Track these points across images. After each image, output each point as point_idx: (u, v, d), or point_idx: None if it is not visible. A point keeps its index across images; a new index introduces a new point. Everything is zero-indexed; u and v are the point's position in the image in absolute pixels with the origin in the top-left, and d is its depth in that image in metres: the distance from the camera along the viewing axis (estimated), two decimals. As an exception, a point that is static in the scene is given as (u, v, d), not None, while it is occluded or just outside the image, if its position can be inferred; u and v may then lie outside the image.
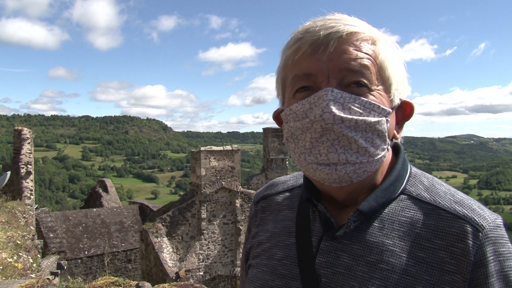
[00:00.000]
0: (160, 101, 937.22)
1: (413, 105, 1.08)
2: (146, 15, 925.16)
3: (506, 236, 0.98)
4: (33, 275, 7.88)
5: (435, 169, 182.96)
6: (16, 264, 7.27)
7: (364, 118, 0.94)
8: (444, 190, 1.07)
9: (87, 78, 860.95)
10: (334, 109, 0.93)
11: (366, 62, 0.97)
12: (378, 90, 0.99)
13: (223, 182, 17.83)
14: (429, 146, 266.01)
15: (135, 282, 5.90)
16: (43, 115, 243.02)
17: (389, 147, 1.03)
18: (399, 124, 1.09)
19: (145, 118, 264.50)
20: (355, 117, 0.94)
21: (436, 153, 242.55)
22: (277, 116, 1.16)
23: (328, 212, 1.06)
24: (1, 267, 6.93)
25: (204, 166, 17.43)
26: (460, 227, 0.96)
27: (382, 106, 0.98)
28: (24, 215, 13.31)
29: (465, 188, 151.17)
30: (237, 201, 18.05)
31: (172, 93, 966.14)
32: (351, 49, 0.97)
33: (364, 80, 0.97)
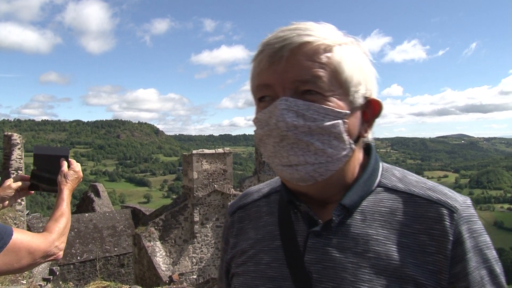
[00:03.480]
0: (153, 105, 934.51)
1: (381, 103, 1.12)
2: (139, 18, 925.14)
3: (477, 215, 1.07)
4: (24, 282, 7.82)
5: (427, 169, 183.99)
6: (7, 271, 7.21)
7: (317, 123, 1.00)
8: (416, 179, 1.14)
9: (79, 82, 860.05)
10: (287, 118, 0.99)
11: (318, 71, 1.01)
12: (334, 94, 1.03)
13: (215, 185, 17.83)
14: (420, 146, 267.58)
15: (127, 286, 5.88)
16: (33, 120, 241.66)
17: (352, 146, 1.07)
18: (369, 122, 1.14)
19: (137, 122, 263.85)
20: (308, 123, 1.00)
21: (427, 153, 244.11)
22: None
23: (311, 210, 1.11)
24: (-8, 274, 6.86)
25: (196, 169, 17.41)
26: (436, 210, 1.04)
27: (336, 110, 1.02)
28: (15, 221, 13.20)
29: (457, 188, 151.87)
30: (229, 204, 18.01)
31: (165, 97, 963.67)
32: (303, 59, 1.02)
33: (317, 89, 1.02)
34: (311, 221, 1.11)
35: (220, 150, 18.34)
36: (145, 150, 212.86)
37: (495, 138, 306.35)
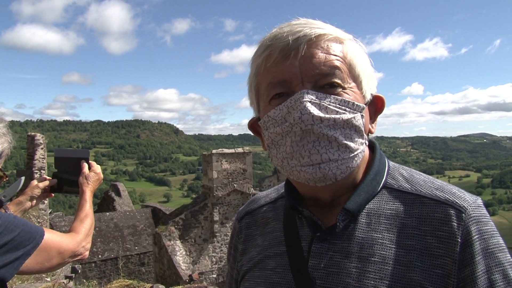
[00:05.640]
0: (173, 105, 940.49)
1: (384, 99, 1.11)
2: (159, 18, 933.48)
3: (488, 215, 1.00)
4: (48, 279, 7.97)
5: (448, 169, 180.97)
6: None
7: (340, 116, 0.97)
8: (423, 178, 1.09)
9: (101, 82, 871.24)
10: (312, 110, 0.95)
11: (336, 63, 0.99)
12: (350, 87, 1.01)
13: (235, 185, 17.87)
14: (441, 145, 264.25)
15: (149, 285, 5.95)
16: (55, 121, 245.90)
17: (366, 142, 1.05)
18: (373, 119, 1.11)
19: (157, 121, 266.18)
20: (333, 116, 0.96)
21: (448, 153, 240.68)
22: (252, 125, 1.18)
23: (314, 215, 1.06)
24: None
25: (216, 169, 17.48)
26: (444, 211, 0.98)
27: (356, 103, 1.00)
28: (39, 220, 13.46)
29: (479, 187, 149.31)
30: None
31: (185, 97, 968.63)
32: (320, 52, 0.99)
33: (337, 81, 0.99)
34: (316, 226, 1.07)
35: (240, 150, 18.38)
36: (164, 150, 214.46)
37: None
